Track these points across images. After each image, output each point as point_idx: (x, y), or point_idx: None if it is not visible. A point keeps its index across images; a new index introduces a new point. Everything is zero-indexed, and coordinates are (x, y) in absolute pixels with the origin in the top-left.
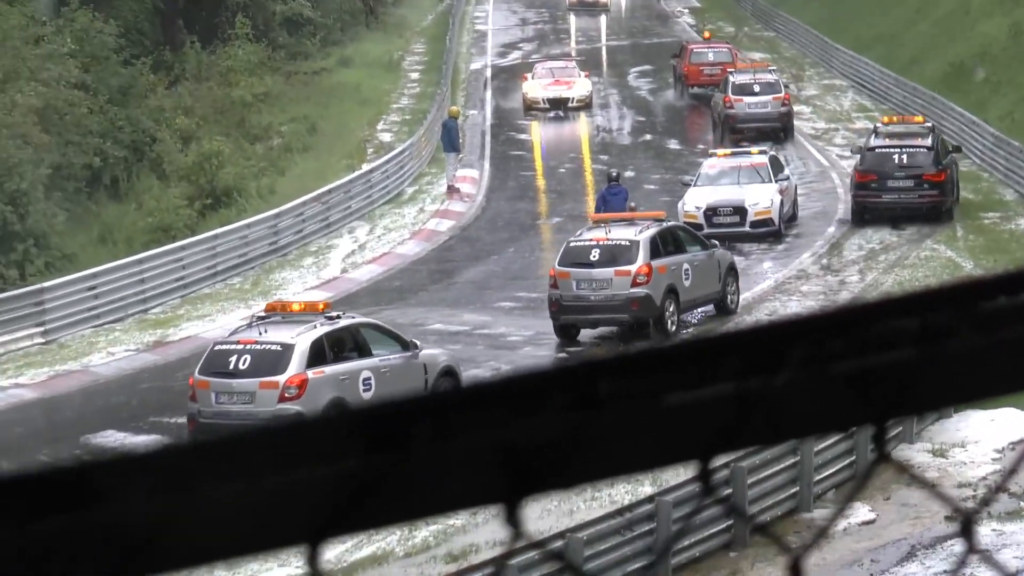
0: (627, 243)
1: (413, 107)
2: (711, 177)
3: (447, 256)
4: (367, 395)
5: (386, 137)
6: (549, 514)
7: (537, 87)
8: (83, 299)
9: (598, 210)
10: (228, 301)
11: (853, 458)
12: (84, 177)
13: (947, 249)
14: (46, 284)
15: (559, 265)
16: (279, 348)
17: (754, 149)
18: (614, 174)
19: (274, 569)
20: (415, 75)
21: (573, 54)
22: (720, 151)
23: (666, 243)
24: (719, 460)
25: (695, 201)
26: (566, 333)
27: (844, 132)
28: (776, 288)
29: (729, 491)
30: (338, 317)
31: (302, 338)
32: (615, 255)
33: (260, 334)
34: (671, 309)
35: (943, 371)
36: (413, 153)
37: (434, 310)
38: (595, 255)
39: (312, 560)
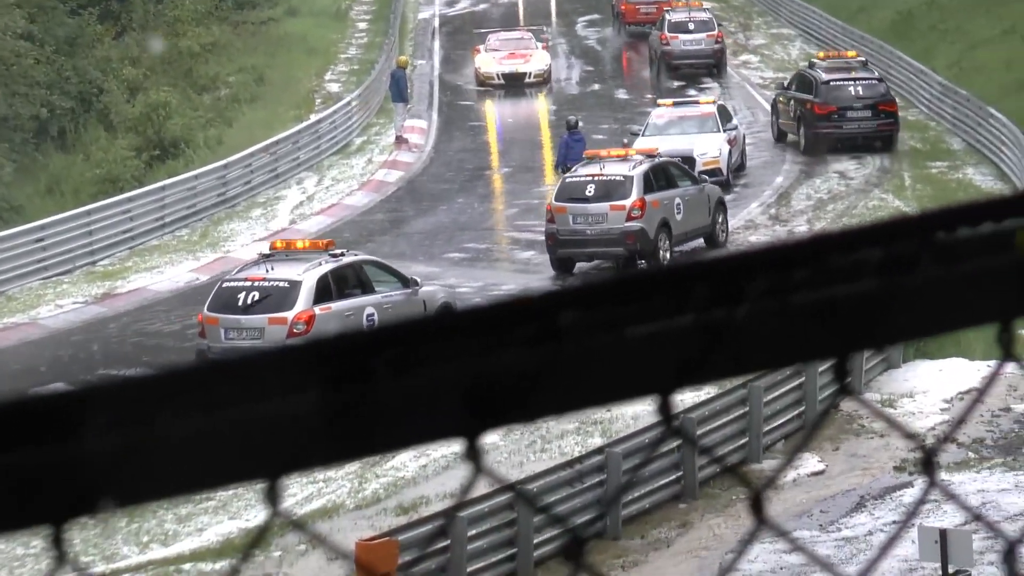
0: (621, 178)
1: (361, 57)
2: (659, 127)
3: (396, 207)
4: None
5: (334, 87)
6: (499, 466)
7: (490, 61)
8: (31, 251)
9: (560, 157)
10: (176, 253)
11: (802, 408)
12: (31, 128)
13: (895, 198)
14: None
15: (556, 200)
16: (287, 285)
17: (703, 99)
18: (573, 121)
19: (224, 521)
20: (363, 24)
21: (520, 3)
22: (667, 100)
23: (658, 178)
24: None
25: None
26: (563, 266)
27: None
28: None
29: (679, 442)
30: (342, 254)
31: (309, 275)
32: (610, 190)
33: (267, 271)
34: (664, 242)
35: (905, 303)
36: (361, 103)
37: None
38: (590, 190)
39: (271, 496)
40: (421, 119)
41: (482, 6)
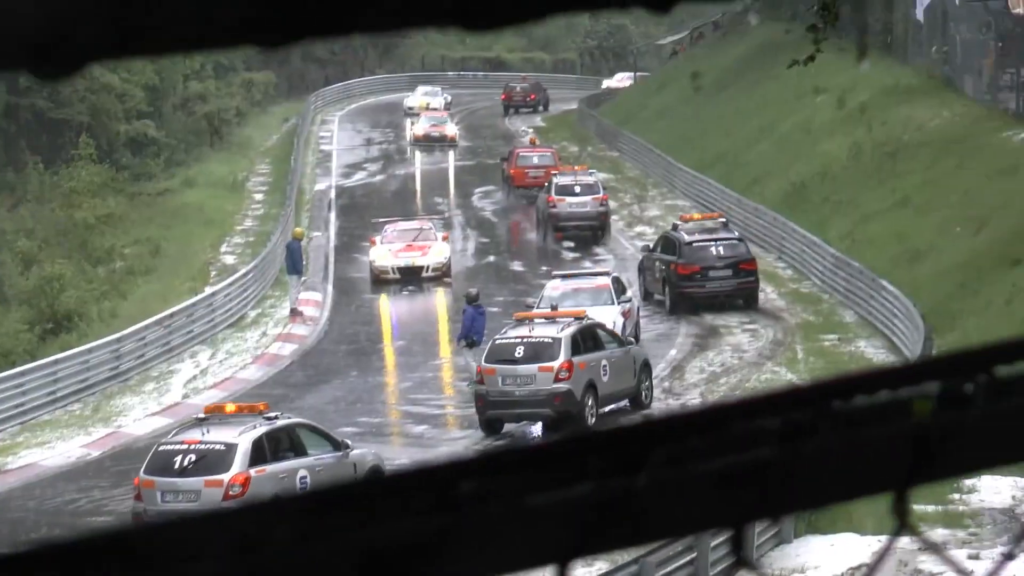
0: (550, 340)
1: (257, 228)
2: (553, 299)
3: (289, 381)
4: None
5: (229, 259)
6: None
7: (386, 254)
8: None
9: (464, 330)
10: (68, 428)
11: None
12: None
13: (788, 372)
14: None
15: (485, 362)
16: (223, 447)
17: (598, 270)
18: (474, 293)
19: None
20: (259, 196)
21: (417, 176)
22: (560, 273)
23: (586, 340)
24: (588, 560)
25: None
26: (491, 427)
27: None
28: (618, 412)
29: None
30: (276, 417)
31: (244, 437)
32: (538, 351)
33: (203, 434)
34: (590, 403)
35: (803, 472)
36: (257, 275)
37: None
38: (519, 352)
39: None
40: (316, 291)
41: (379, 177)
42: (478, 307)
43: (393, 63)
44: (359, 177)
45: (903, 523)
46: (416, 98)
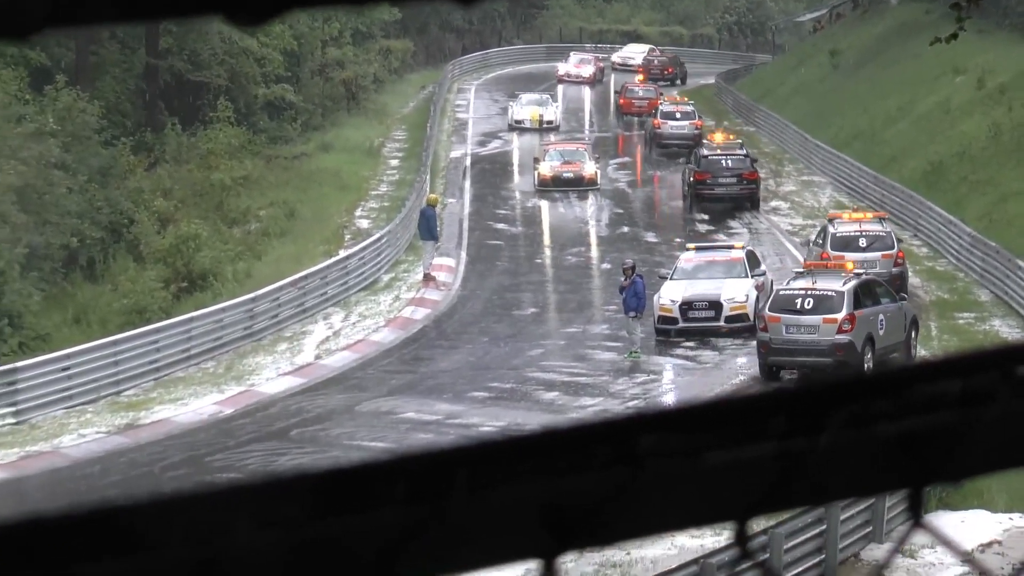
0: (833, 293)
1: (392, 194)
2: (687, 271)
3: (421, 344)
4: (881, 332)
5: (364, 223)
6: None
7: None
8: (56, 380)
9: (637, 301)
10: (201, 385)
11: (823, 556)
12: (60, 257)
13: (922, 348)
14: (19, 364)
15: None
16: (833, 294)
17: (737, 244)
18: (631, 263)
19: None
20: (395, 162)
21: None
22: (694, 244)
23: (865, 294)
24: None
25: (670, 294)
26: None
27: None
28: (751, 384)
29: (766, 556)
30: (861, 275)
31: (847, 286)
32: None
33: (813, 283)
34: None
35: (983, 436)
36: (391, 240)
37: (407, 399)
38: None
39: None
40: (450, 257)
41: (513, 143)
42: (634, 279)
43: (531, 34)
44: (494, 146)
45: None
46: (523, 109)
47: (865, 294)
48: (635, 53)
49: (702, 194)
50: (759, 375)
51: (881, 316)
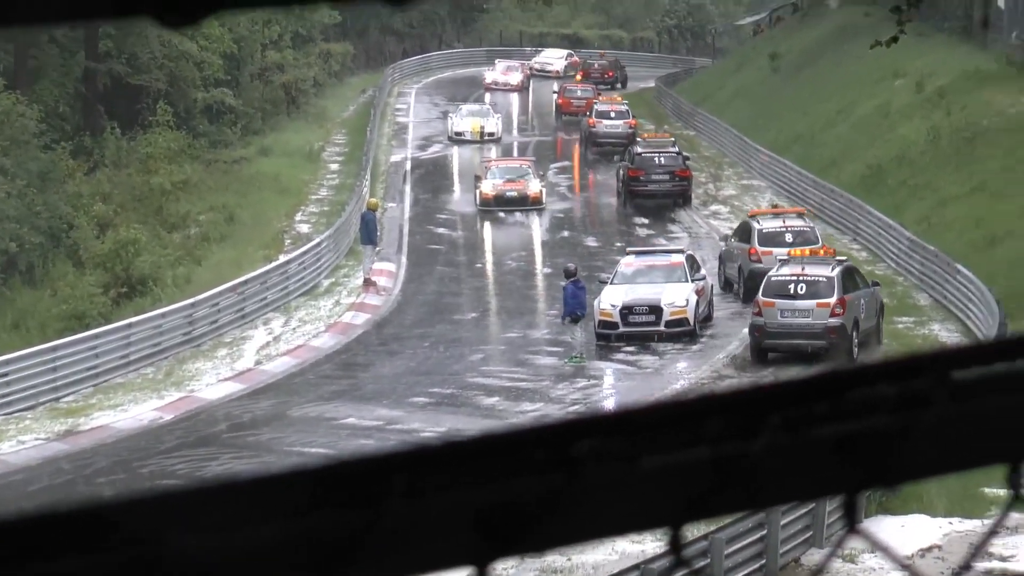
0: (824, 279)
1: (332, 198)
2: (627, 276)
3: (361, 350)
4: (862, 315)
5: (304, 228)
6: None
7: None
8: None
9: (569, 307)
10: (140, 391)
11: (763, 562)
12: None
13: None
14: None
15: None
16: (824, 279)
17: (672, 247)
18: (572, 268)
19: None
20: (335, 166)
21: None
22: (634, 249)
23: (849, 280)
24: (695, 528)
25: (611, 299)
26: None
27: None
28: (690, 389)
29: (706, 562)
30: (843, 261)
31: (836, 271)
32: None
33: (802, 269)
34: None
35: (919, 440)
36: (330, 245)
37: (347, 404)
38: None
39: None
40: (390, 262)
41: (453, 149)
42: (576, 282)
43: (471, 37)
44: (435, 150)
45: (1018, 495)
46: (463, 120)
47: (848, 279)
48: (553, 59)
49: (635, 191)
50: (749, 357)
51: (862, 300)
